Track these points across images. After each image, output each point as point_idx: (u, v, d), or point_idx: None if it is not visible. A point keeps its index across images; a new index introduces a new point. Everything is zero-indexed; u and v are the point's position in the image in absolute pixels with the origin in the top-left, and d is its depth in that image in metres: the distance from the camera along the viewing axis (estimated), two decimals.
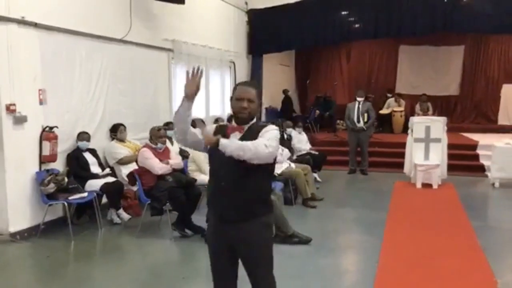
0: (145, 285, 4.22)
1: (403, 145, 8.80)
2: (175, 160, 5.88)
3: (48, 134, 5.57)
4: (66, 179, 5.56)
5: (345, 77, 15.66)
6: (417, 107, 13.30)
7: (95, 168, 6.07)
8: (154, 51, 7.77)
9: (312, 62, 15.88)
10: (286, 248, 4.93)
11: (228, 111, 9.56)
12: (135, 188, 6.05)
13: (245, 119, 2.65)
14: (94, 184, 5.86)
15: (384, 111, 13.52)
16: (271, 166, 2.71)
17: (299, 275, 4.31)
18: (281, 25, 10.82)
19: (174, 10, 7.93)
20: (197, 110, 9.00)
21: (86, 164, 5.99)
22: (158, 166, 5.52)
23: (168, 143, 6.18)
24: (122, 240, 5.54)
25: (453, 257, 4.72)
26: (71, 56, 6.02)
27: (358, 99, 9.49)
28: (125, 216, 6.04)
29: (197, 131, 2.74)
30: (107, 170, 6.22)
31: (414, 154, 8.29)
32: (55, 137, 5.62)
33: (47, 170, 5.58)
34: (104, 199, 6.11)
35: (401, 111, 13.24)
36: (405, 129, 10.46)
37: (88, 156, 6.07)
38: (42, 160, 5.59)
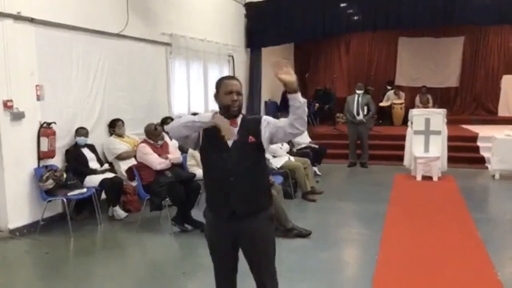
0: (145, 281, 4.21)
1: (403, 137, 8.79)
2: (174, 155, 5.85)
3: (46, 130, 5.55)
4: (64, 175, 5.55)
5: (344, 70, 15.59)
6: (417, 99, 13.27)
7: (93, 164, 6.06)
8: (152, 45, 7.72)
9: (311, 55, 15.81)
10: (286, 241, 4.92)
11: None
12: (134, 184, 6.02)
13: (236, 112, 2.64)
14: (93, 180, 5.85)
15: (383, 103, 13.48)
16: (265, 158, 2.76)
17: (299, 268, 4.31)
18: (280, 18, 10.75)
19: (171, 4, 7.90)
20: (196, 104, 9.00)
21: (84, 159, 5.97)
22: (157, 161, 5.51)
23: (166, 138, 6.16)
24: (122, 236, 5.53)
25: (453, 249, 4.72)
26: (68, 51, 6.00)
27: (358, 92, 9.46)
28: (121, 213, 5.98)
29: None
30: (106, 166, 6.20)
31: (414, 146, 8.27)
32: (53, 133, 5.61)
33: (46, 166, 5.57)
34: (104, 195, 6.08)
35: (400, 104, 13.20)
36: (405, 121, 10.44)
37: (86, 151, 6.06)
38: (41, 156, 5.58)
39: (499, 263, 4.33)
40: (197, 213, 5.35)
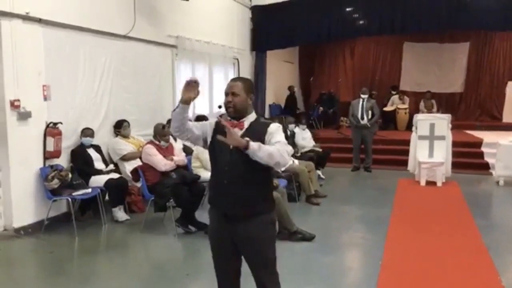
0: (148, 282, 4.22)
1: (407, 142, 8.77)
2: (179, 157, 5.88)
3: (52, 130, 5.58)
4: (70, 175, 5.57)
5: (349, 74, 15.61)
6: (422, 104, 13.26)
7: (99, 164, 6.08)
8: (158, 47, 7.76)
9: (316, 59, 15.85)
10: (290, 245, 4.92)
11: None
12: (139, 184, 6.05)
13: (231, 113, 2.67)
14: (98, 180, 5.87)
15: (388, 108, 13.48)
16: None
17: (303, 272, 4.31)
18: (285, 22, 10.79)
19: (178, 7, 7.93)
20: (201, 107, 9.02)
21: (90, 160, 6.00)
22: (162, 163, 5.53)
23: (171, 140, 6.18)
24: (126, 236, 5.53)
25: (457, 256, 4.70)
26: (75, 52, 6.03)
27: (362, 96, 9.47)
28: (120, 215, 5.93)
29: (196, 124, 2.79)
30: (111, 166, 6.23)
31: (418, 151, 8.26)
32: (59, 133, 5.63)
33: (51, 166, 5.59)
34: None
35: (405, 108, 13.20)
36: (409, 126, 10.41)
37: (92, 152, 6.08)
38: (46, 156, 5.61)
39: (503, 269, 4.32)
40: (201, 215, 5.37)
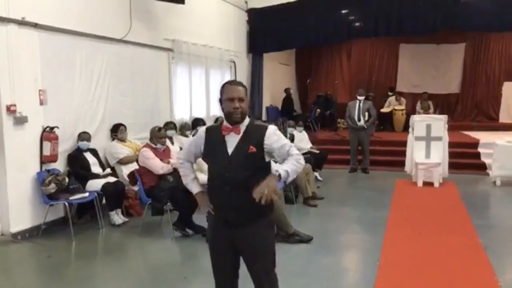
0: (146, 285, 4.22)
1: (404, 143, 8.79)
2: (176, 160, 5.87)
3: (48, 135, 5.58)
4: (67, 179, 5.56)
5: (345, 76, 15.65)
6: (418, 105, 13.28)
7: (96, 168, 6.07)
8: (154, 51, 7.77)
9: (312, 61, 15.88)
10: (287, 247, 4.93)
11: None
12: (136, 188, 6.05)
13: (239, 119, 2.62)
14: (95, 184, 5.86)
15: (385, 109, 13.51)
16: (269, 163, 2.72)
17: (301, 274, 4.31)
18: (281, 24, 10.81)
19: (174, 10, 7.93)
20: (198, 110, 9.03)
21: (87, 164, 5.99)
22: (159, 166, 5.53)
23: (168, 143, 6.18)
24: (123, 240, 5.53)
25: (454, 256, 4.71)
26: (72, 56, 6.03)
27: (359, 97, 9.49)
28: (117, 219, 5.92)
29: (192, 152, 2.88)
30: (108, 170, 6.23)
31: (415, 152, 8.28)
32: (56, 137, 5.63)
33: (48, 170, 5.58)
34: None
35: (402, 110, 13.23)
36: (406, 127, 10.44)
37: (88, 156, 6.08)
38: (43, 160, 5.60)
39: (500, 269, 4.33)
40: (199, 218, 5.36)
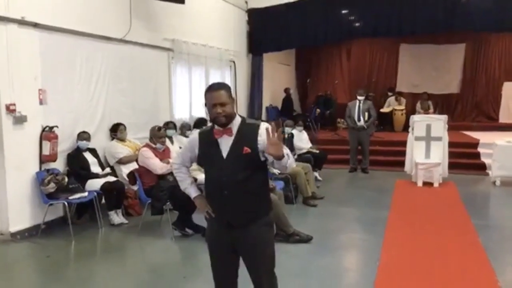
0: (146, 285, 4.22)
1: (404, 143, 8.79)
2: None
3: (48, 134, 5.57)
4: (66, 179, 5.56)
5: (345, 76, 15.65)
6: (418, 105, 13.28)
7: (95, 168, 6.07)
8: (154, 50, 7.76)
9: (312, 60, 15.87)
10: (287, 247, 4.93)
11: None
12: (135, 188, 6.04)
13: (223, 123, 2.59)
14: (94, 184, 5.85)
15: (385, 109, 13.51)
16: (266, 162, 2.69)
17: (300, 273, 4.31)
18: (281, 24, 10.81)
19: (174, 10, 7.92)
20: (197, 109, 9.02)
21: (86, 164, 5.99)
22: (158, 166, 5.53)
23: (168, 143, 6.17)
24: (123, 240, 5.52)
25: (454, 256, 4.71)
26: (71, 56, 6.03)
27: (359, 97, 9.49)
28: (117, 219, 5.91)
29: (186, 156, 2.87)
30: (108, 170, 6.22)
31: (415, 152, 8.28)
32: (55, 137, 5.63)
33: (47, 170, 5.58)
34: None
35: (402, 110, 13.23)
36: (406, 127, 10.43)
37: (88, 155, 6.07)
38: (42, 160, 5.59)
39: (500, 269, 4.33)
40: (198, 218, 5.35)
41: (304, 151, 8.44)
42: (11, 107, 5.19)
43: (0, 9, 5.04)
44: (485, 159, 9.33)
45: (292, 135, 8.34)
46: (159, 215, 5.60)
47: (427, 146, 8.23)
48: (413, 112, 12.56)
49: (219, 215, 2.68)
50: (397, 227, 5.76)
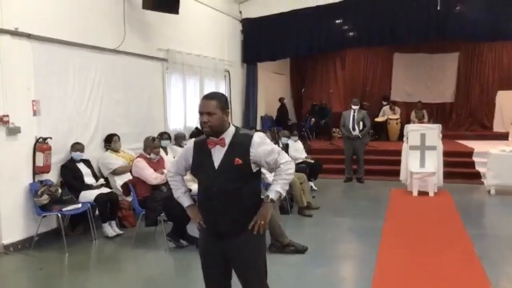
0: None
1: (398, 152, 8.80)
2: None
3: (41, 145, 5.55)
4: (59, 190, 5.52)
5: (340, 85, 15.70)
6: (412, 114, 13.35)
7: (89, 179, 6.04)
8: (148, 61, 7.77)
9: (307, 70, 15.93)
10: (282, 257, 4.90)
11: None
12: (129, 199, 6.01)
13: (208, 133, 2.62)
14: (88, 195, 5.81)
15: (379, 119, 13.56)
16: (258, 172, 2.72)
17: (296, 284, 4.28)
18: (276, 34, 10.86)
19: (168, 20, 7.95)
20: (192, 120, 9.02)
21: (80, 175, 5.95)
22: (152, 176, 5.50)
23: (162, 153, 6.15)
24: (117, 251, 5.49)
25: (450, 265, 4.70)
26: (65, 66, 6.02)
27: (353, 107, 9.51)
28: (111, 231, 5.86)
29: (181, 164, 2.88)
30: (101, 181, 6.18)
31: (410, 162, 8.28)
32: (49, 148, 5.60)
33: (41, 181, 5.54)
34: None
35: (396, 119, 13.29)
36: (401, 136, 10.46)
37: (82, 166, 6.04)
38: (36, 171, 5.56)
39: (495, 279, 4.32)
40: (193, 229, 5.31)
41: (299, 161, 8.43)
42: (5, 118, 5.17)
43: None
44: (479, 168, 9.35)
45: (287, 145, 8.33)
46: (154, 226, 5.57)
47: (421, 155, 8.24)
48: (408, 121, 12.62)
49: (210, 224, 2.68)
50: (392, 236, 5.75)
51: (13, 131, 5.29)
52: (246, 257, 2.66)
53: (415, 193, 8.05)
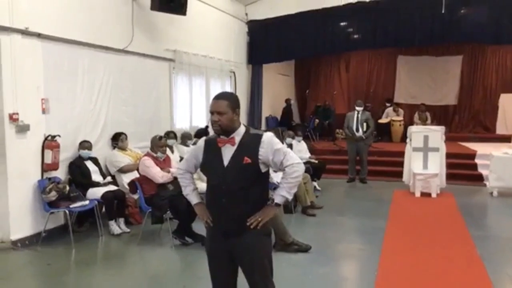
0: None
1: (402, 154, 8.84)
2: (176, 169, 5.91)
3: (50, 143, 5.62)
4: (67, 187, 5.60)
5: (344, 87, 15.75)
6: (416, 116, 13.38)
7: (96, 177, 6.11)
8: (155, 61, 7.85)
9: (311, 71, 15.98)
10: (286, 256, 4.96)
11: None
12: (136, 196, 6.08)
13: (218, 132, 2.66)
14: (95, 193, 5.89)
15: (383, 120, 13.60)
16: (267, 173, 2.76)
17: (299, 283, 4.33)
18: (281, 36, 10.94)
19: (175, 21, 8.03)
20: (198, 120, 9.10)
21: (87, 172, 6.03)
22: (159, 175, 5.57)
23: (168, 152, 6.21)
24: (123, 248, 5.56)
25: (452, 267, 4.74)
26: (74, 66, 6.10)
27: (357, 108, 9.56)
28: (117, 229, 5.92)
29: (191, 162, 2.92)
30: (109, 179, 6.26)
31: (413, 163, 8.32)
32: (57, 146, 5.67)
33: (49, 178, 5.61)
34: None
35: (399, 121, 13.32)
36: (404, 138, 10.52)
37: (89, 164, 6.12)
38: (44, 168, 5.64)
39: (497, 280, 4.36)
40: (198, 227, 5.39)
41: (303, 161, 8.44)
42: (14, 116, 5.24)
43: (4, 20, 5.12)
44: (482, 170, 9.38)
45: (291, 146, 8.39)
46: (159, 223, 5.63)
47: (424, 157, 8.28)
48: (411, 123, 12.65)
49: (217, 223, 2.72)
50: (395, 237, 5.80)
51: (23, 129, 5.36)
52: (252, 255, 2.70)
53: (417, 194, 8.09)
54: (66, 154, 5.94)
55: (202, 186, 5.86)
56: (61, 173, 5.86)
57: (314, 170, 8.23)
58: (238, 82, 10.94)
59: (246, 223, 2.63)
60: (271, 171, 3.04)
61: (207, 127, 8.62)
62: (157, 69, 7.95)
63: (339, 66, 15.85)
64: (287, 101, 13.75)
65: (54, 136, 5.68)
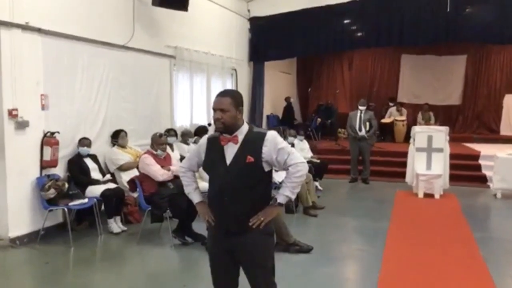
0: None
1: (405, 154, 8.78)
2: (176, 167, 5.85)
3: (49, 139, 5.57)
4: (66, 185, 5.54)
5: (347, 86, 15.68)
6: (419, 116, 13.31)
7: (95, 174, 6.05)
8: (156, 57, 7.78)
9: (314, 70, 15.92)
10: (287, 256, 4.91)
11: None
12: (135, 195, 6.02)
13: (221, 129, 2.62)
14: (94, 190, 5.83)
15: (386, 120, 13.52)
16: (270, 172, 2.70)
17: (300, 283, 4.29)
18: (283, 33, 10.86)
19: (176, 17, 7.96)
20: (199, 117, 9.03)
21: (86, 170, 5.97)
22: (159, 173, 5.51)
23: (169, 150, 6.15)
24: (122, 247, 5.50)
25: (455, 268, 4.69)
26: (74, 61, 6.04)
27: (360, 107, 9.49)
28: (116, 228, 5.85)
29: (194, 160, 2.89)
30: (108, 176, 6.20)
31: (416, 163, 8.25)
32: (56, 142, 5.62)
33: (48, 176, 5.56)
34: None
35: (403, 120, 13.25)
36: (407, 138, 10.44)
37: (89, 162, 6.06)
38: (43, 165, 5.58)
39: (501, 282, 4.31)
40: (198, 226, 5.33)
41: (305, 160, 8.40)
42: (14, 112, 5.19)
43: (4, 15, 5.06)
44: (486, 172, 9.31)
45: (292, 145, 8.32)
46: (159, 222, 5.58)
47: (428, 157, 8.20)
48: (414, 123, 12.59)
49: (219, 221, 2.68)
50: (397, 238, 5.74)
51: (22, 125, 5.31)
52: (254, 255, 2.67)
53: (420, 195, 8.03)
54: (65, 151, 5.88)
55: (203, 185, 5.82)
56: (60, 171, 5.81)
57: (316, 170, 8.15)
58: (239, 79, 10.87)
59: (248, 222, 2.60)
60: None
61: (209, 124, 8.54)
62: (158, 65, 7.88)
63: (342, 64, 15.78)
64: (287, 99, 13.69)
65: (53, 133, 5.63)
